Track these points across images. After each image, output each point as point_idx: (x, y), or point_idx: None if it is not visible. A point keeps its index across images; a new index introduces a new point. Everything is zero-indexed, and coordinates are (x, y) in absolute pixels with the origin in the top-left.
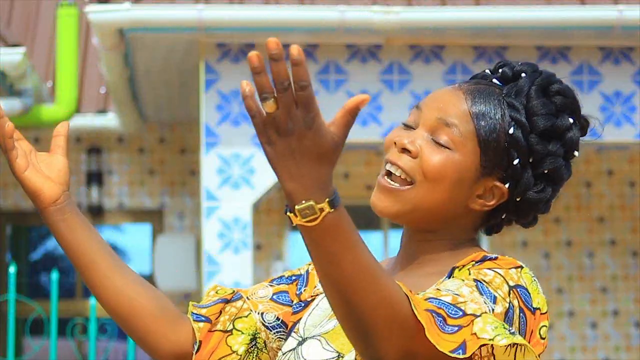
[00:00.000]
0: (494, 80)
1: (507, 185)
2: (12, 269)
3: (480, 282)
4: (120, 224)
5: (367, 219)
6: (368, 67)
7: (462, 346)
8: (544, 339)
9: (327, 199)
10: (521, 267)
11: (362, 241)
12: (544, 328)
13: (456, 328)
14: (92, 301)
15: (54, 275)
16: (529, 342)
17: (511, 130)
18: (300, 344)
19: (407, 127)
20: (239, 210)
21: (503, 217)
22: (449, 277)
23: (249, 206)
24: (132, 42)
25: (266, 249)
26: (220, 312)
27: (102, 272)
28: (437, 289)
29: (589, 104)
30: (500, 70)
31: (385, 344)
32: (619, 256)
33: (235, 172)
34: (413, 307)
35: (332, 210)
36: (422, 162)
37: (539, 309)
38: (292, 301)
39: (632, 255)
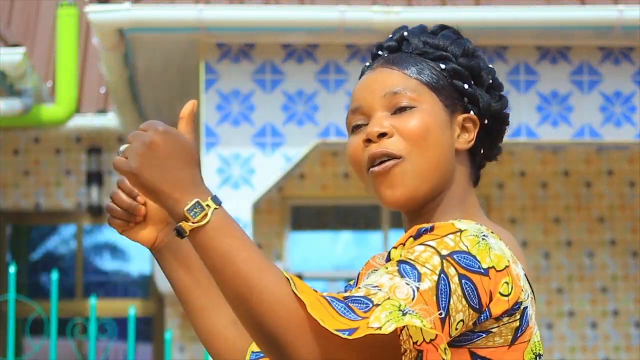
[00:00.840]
0: (386, 55)
1: (472, 112)
2: (12, 269)
3: (405, 261)
4: None
5: (367, 218)
6: None
7: (352, 330)
8: (506, 295)
9: (210, 197)
10: (460, 230)
11: (249, 238)
12: (505, 285)
13: (360, 317)
14: (92, 301)
15: (54, 275)
16: (488, 304)
17: (443, 65)
18: None
19: (358, 128)
20: (239, 210)
21: (482, 151)
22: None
23: (249, 206)
24: (132, 42)
25: (266, 249)
26: None
27: (198, 311)
28: (358, 287)
29: (589, 104)
30: (385, 45)
31: (293, 340)
32: (619, 256)
33: (235, 172)
34: (294, 289)
35: (218, 207)
36: (401, 133)
37: (492, 267)
38: None
39: (632, 255)
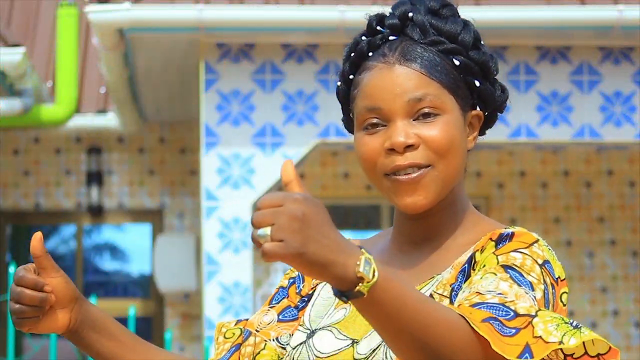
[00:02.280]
0: (391, 38)
1: (478, 108)
2: (12, 269)
3: (512, 268)
4: (120, 224)
5: (367, 218)
6: None
7: (527, 349)
8: (565, 305)
9: (361, 249)
10: (538, 240)
11: (398, 272)
12: (565, 295)
13: (514, 330)
14: (92, 301)
15: None
16: (554, 312)
17: (457, 62)
18: (309, 336)
19: (373, 127)
20: (239, 210)
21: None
22: (470, 265)
23: (249, 206)
24: (132, 42)
25: None
26: (239, 358)
27: None
28: (478, 292)
29: (589, 104)
30: (387, 24)
31: None
32: (619, 256)
33: (235, 172)
34: (472, 325)
35: (370, 255)
36: (427, 145)
37: (559, 277)
38: (297, 307)
39: (632, 255)
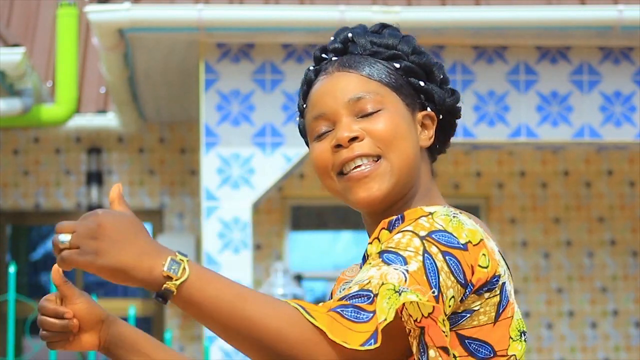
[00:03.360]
0: (334, 58)
1: (429, 109)
2: (12, 269)
3: (387, 251)
4: None
5: None
6: None
7: (374, 335)
8: (486, 267)
9: (176, 252)
10: (430, 213)
11: (225, 277)
12: (483, 257)
13: (371, 314)
14: None
15: None
16: (471, 278)
17: (397, 65)
18: None
19: (324, 134)
20: (239, 210)
21: (437, 146)
22: (365, 259)
23: (249, 206)
24: (132, 42)
25: (266, 249)
26: None
27: None
28: (349, 287)
29: (589, 104)
30: (331, 48)
31: None
32: (619, 256)
33: (235, 172)
34: (308, 317)
35: (187, 258)
36: (372, 135)
37: (469, 241)
38: None
39: (632, 255)
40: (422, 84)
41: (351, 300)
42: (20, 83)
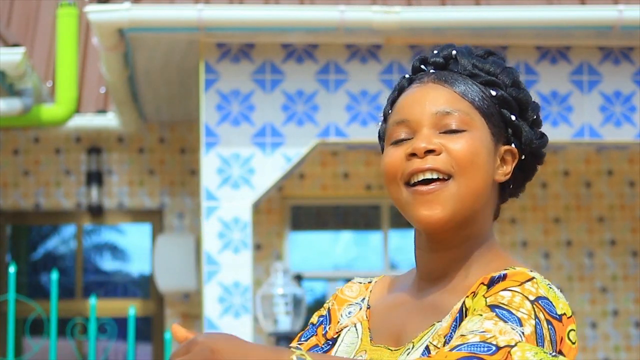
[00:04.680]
0: (432, 71)
1: (513, 145)
2: (12, 269)
3: (499, 307)
4: (120, 224)
5: (367, 218)
6: (368, 67)
7: None
8: (574, 343)
9: (291, 348)
10: (533, 278)
11: None
12: (572, 332)
13: None
14: (92, 301)
15: (54, 275)
16: (561, 351)
17: (493, 92)
18: None
19: (401, 142)
20: (239, 210)
21: (511, 185)
22: (462, 313)
23: (249, 206)
24: (132, 42)
25: (266, 249)
26: None
27: None
28: (461, 335)
29: (589, 104)
30: (431, 61)
31: None
32: (619, 256)
33: (235, 172)
34: None
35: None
36: (449, 153)
37: (564, 314)
38: (323, 348)
39: (632, 255)
40: (513, 117)
41: (472, 350)
42: (20, 83)
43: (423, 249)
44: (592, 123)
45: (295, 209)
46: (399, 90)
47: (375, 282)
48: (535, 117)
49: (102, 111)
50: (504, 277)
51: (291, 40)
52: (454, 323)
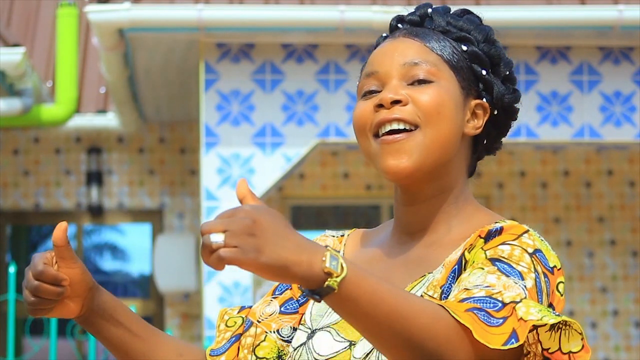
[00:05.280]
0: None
1: (484, 100)
2: (12, 269)
3: (499, 260)
4: (120, 224)
5: (367, 218)
6: None
7: (514, 334)
8: (562, 295)
9: (326, 246)
10: (528, 230)
11: (377, 276)
12: (561, 284)
13: (501, 320)
14: None
15: None
16: (551, 303)
17: (464, 47)
18: (309, 337)
19: (371, 93)
20: None
21: (484, 141)
22: (461, 266)
23: None
24: (132, 42)
25: None
26: (238, 349)
27: (143, 357)
28: (465, 289)
29: (589, 104)
30: (407, 19)
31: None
32: (619, 256)
33: (235, 172)
34: (453, 315)
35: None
36: (416, 104)
37: (555, 266)
38: (299, 301)
39: (632, 255)
40: (484, 72)
41: (481, 304)
42: (20, 83)
43: (400, 202)
44: (592, 123)
45: (295, 209)
46: (375, 48)
47: (348, 235)
48: (507, 72)
49: (102, 111)
50: (500, 231)
51: (291, 40)
52: (450, 276)
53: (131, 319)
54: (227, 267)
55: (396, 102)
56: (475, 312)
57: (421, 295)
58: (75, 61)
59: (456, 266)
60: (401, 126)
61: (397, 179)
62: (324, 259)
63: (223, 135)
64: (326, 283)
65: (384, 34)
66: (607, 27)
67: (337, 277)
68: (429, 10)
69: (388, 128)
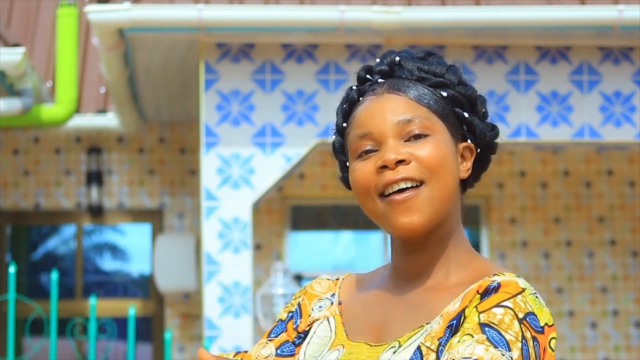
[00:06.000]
0: (380, 80)
1: (469, 141)
2: (12, 269)
3: (489, 327)
4: (120, 224)
5: (367, 219)
6: None
7: None
8: (554, 351)
9: None
10: (523, 289)
11: None
12: (553, 340)
13: None
14: (92, 301)
15: (54, 275)
16: (543, 358)
17: (444, 93)
18: None
19: (367, 153)
20: (239, 210)
21: (470, 179)
22: (459, 321)
23: (249, 206)
24: (132, 42)
25: (266, 248)
26: None
27: None
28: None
29: (589, 104)
30: (377, 70)
31: None
32: (619, 256)
33: (235, 172)
34: None
35: None
36: (418, 160)
37: (546, 324)
38: (295, 343)
39: (632, 255)
40: (466, 115)
41: None
42: (20, 83)
43: (399, 252)
44: (592, 123)
45: (295, 209)
46: (349, 103)
47: (343, 279)
48: (484, 110)
49: (102, 111)
50: (497, 288)
51: (291, 40)
52: (448, 329)
53: None
54: (226, 266)
55: (400, 161)
56: None
57: (419, 346)
58: (75, 61)
59: (454, 321)
60: (408, 184)
61: (410, 236)
62: None
63: (223, 135)
64: None
65: (354, 86)
66: (607, 27)
67: None
68: (397, 58)
69: (396, 188)
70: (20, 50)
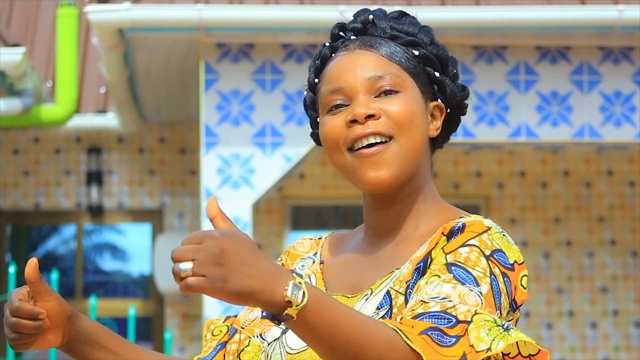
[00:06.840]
0: (352, 37)
1: (439, 100)
2: (12, 269)
3: (456, 265)
4: (120, 224)
5: None
6: None
7: (464, 359)
8: (525, 288)
9: (293, 273)
10: (489, 228)
11: (334, 298)
12: (525, 278)
13: (454, 339)
14: (92, 301)
15: (54, 275)
16: (514, 298)
17: (416, 52)
18: (283, 332)
19: (337, 108)
20: (239, 210)
21: (439, 140)
22: (426, 263)
23: (249, 206)
24: (132, 42)
25: (266, 249)
26: (224, 356)
27: None
28: (422, 301)
29: (589, 104)
30: (350, 27)
31: None
32: (619, 256)
33: (235, 172)
34: (407, 341)
35: (303, 280)
36: (388, 115)
37: (515, 262)
38: None
39: (632, 255)
40: (437, 74)
41: (434, 321)
42: (20, 83)
43: (370, 207)
44: (592, 123)
45: (295, 209)
46: (321, 59)
47: (325, 238)
48: (455, 71)
49: (102, 111)
50: (462, 228)
51: (291, 40)
52: (416, 272)
53: (114, 341)
54: None
55: (370, 116)
56: (430, 333)
57: (388, 291)
58: (75, 61)
59: (422, 263)
60: (377, 139)
61: (378, 190)
62: (286, 287)
63: (223, 135)
64: (285, 311)
65: (327, 43)
66: (607, 27)
67: (296, 306)
68: (370, 16)
69: (365, 142)
70: (20, 50)
